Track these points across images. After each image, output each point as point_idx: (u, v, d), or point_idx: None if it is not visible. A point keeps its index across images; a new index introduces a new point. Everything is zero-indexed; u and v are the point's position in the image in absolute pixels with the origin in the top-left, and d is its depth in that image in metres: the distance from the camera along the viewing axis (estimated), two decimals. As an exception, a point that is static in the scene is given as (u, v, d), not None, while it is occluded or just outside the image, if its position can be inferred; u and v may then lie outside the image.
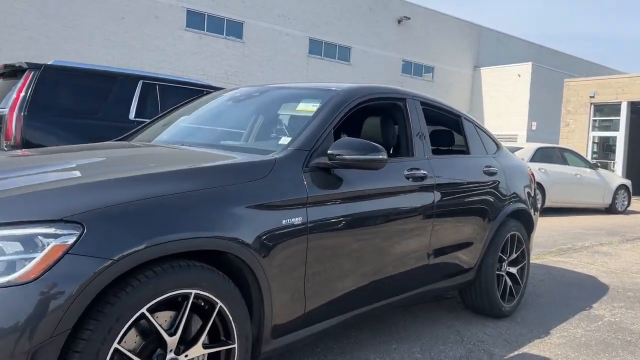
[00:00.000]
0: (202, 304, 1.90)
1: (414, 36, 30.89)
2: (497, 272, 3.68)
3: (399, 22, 30.14)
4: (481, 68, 33.72)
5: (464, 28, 33.41)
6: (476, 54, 34.06)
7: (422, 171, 3.00)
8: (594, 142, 19.17)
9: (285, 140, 2.52)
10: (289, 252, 2.17)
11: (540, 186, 10.55)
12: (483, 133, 3.94)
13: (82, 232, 1.58)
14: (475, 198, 3.46)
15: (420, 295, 3.12)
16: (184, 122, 3.22)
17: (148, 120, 3.81)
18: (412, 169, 2.95)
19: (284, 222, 2.15)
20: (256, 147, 2.54)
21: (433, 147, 3.66)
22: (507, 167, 3.94)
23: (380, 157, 2.42)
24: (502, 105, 32.29)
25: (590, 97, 18.55)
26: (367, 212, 2.58)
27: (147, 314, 1.71)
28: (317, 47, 27.24)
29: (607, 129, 19.06)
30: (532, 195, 4.25)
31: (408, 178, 2.89)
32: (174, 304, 1.83)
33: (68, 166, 2.12)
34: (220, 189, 1.98)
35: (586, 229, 9.18)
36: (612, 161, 18.67)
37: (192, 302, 1.84)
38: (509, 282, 3.83)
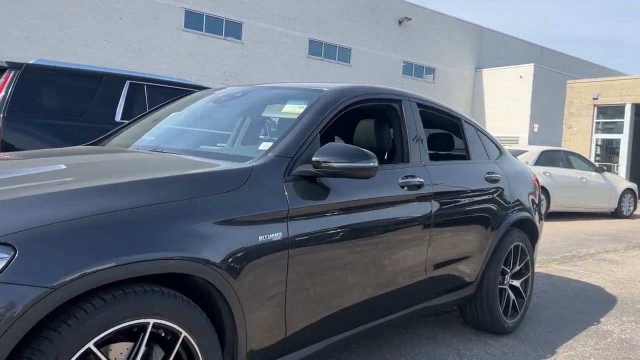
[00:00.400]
0: (164, 334, 1.66)
1: (415, 37, 30.65)
2: (499, 286, 3.44)
3: (400, 22, 29.92)
4: (482, 69, 33.48)
5: (465, 29, 33.17)
6: (477, 55, 33.81)
7: (418, 179, 2.76)
8: (597, 145, 18.91)
9: (265, 145, 2.29)
10: (266, 272, 1.93)
11: (544, 190, 10.36)
12: (485, 137, 3.70)
13: (13, 255, 1.35)
14: (476, 207, 3.22)
15: (417, 313, 2.88)
16: (161, 124, 2.98)
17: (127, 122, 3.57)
18: (407, 177, 2.71)
19: (260, 238, 1.91)
20: (234, 154, 2.31)
21: (431, 152, 3.43)
22: (511, 173, 3.69)
23: (371, 164, 2.18)
24: (503, 107, 32.03)
25: (594, 98, 18.30)
26: (357, 225, 2.34)
27: (95, 350, 1.47)
28: (316, 48, 27.01)
29: (610, 131, 18.81)
30: (537, 202, 4.01)
31: (403, 187, 2.65)
32: (133, 333, 1.60)
33: (11, 176, 1.88)
34: (184, 203, 1.74)
35: (590, 235, 8.93)
36: (616, 164, 18.41)
37: (152, 332, 1.61)
38: (512, 296, 3.59)
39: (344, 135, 4.18)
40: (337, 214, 2.25)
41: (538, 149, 11.27)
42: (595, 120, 18.55)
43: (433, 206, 2.84)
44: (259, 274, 1.90)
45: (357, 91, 2.65)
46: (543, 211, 10.77)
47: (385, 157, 3.17)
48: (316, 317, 2.20)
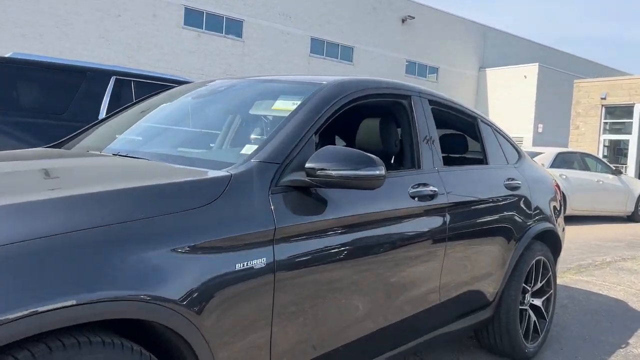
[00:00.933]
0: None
1: (418, 36, 30.24)
2: (519, 307, 3.04)
3: (403, 21, 29.51)
4: (486, 69, 33.06)
5: (469, 28, 32.75)
6: (481, 55, 33.39)
7: (431, 187, 2.37)
8: (604, 146, 18.47)
9: (248, 149, 1.90)
10: (245, 309, 1.54)
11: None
12: (502, 138, 3.31)
13: None
14: (496, 219, 2.83)
15: (428, 343, 2.49)
16: (137, 123, 2.59)
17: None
18: (418, 185, 2.32)
19: (238, 266, 1.52)
20: (211, 159, 1.92)
21: (443, 155, 3.04)
22: (532, 179, 3.30)
23: (377, 173, 1.79)
24: (507, 107, 31.61)
25: (602, 98, 17.86)
26: (360, 246, 1.95)
27: None
28: (319, 47, 26.62)
29: (618, 131, 18.36)
30: (559, 210, 3.62)
31: (414, 197, 2.26)
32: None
33: None
34: (136, 225, 1.35)
35: (604, 241, 8.52)
36: (624, 165, 17.97)
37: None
38: (533, 317, 3.19)
39: (345, 137, 3.79)
40: (336, 233, 1.86)
41: (554, 151, 10.93)
42: (603, 121, 18.11)
43: (448, 219, 2.45)
44: (237, 312, 1.51)
45: (360, 85, 2.26)
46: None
47: (392, 162, 2.78)
48: (309, 357, 1.81)
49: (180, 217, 1.43)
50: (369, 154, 1.81)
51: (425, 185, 2.35)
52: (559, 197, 3.70)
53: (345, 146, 3.85)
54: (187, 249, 1.40)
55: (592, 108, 18.10)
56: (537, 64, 31.25)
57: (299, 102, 2.08)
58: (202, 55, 22.90)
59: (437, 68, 31.53)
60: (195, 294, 1.39)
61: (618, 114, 18.15)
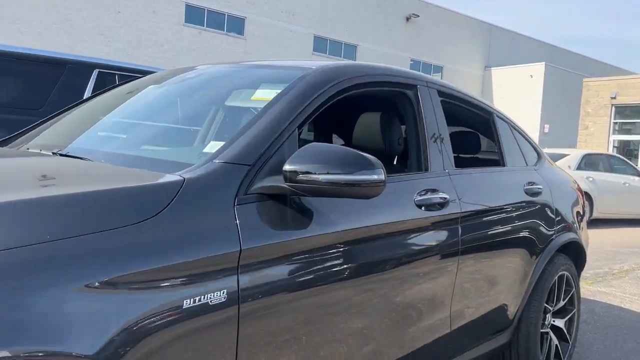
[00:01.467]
0: None
1: (423, 34, 29.82)
2: (540, 330, 2.65)
3: (408, 19, 29.09)
4: (492, 68, 32.60)
5: (475, 26, 32.30)
6: (487, 54, 32.94)
7: (440, 194, 1.99)
8: (614, 147, 18.00)
9: (213, 146, 1.52)
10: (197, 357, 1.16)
11: (587, 196, 9.82)
12: (521, 136, 2.92)
13: None
14: (515, 230, 2.44)
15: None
16: (94, 115, 2.21)
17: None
18: (426, 192, 1.93)
19: (187, 303, 1.14)
20: (167, 159, 1.54)
21: (454, 156, 2.65)
22: (553, 183, 2.91)
23: (375, 177, 1.41)
24: (513, 107, 31.12)
25: (612, 98, 17.39)
26: (352, 270, 1.57)
27: None
28: (322, 45, 26.22)
29: (628, 132, 17.88)
30: (582, 216, 3.23)
31: (420, 206, 1.87)
32: None
33: None
34: (34, 251, 0.97)
35: (618, 247, 8.10)
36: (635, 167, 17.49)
37: None
38: (555, 341, 2.80)
39: (344, 135, 3.41)
40: (323, 253, 1.48)
41: (579, 153, 10.70)
42: (612, 121, 17.63)
43: (461, 232, 2.06)
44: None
45: (355, 71, 1.87)
46: (586, 219, 10.18)
47: (395, 164, 2.40)
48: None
49: (101, 238, 1.05)
50: (364, 154, 1.43)
51: (434, 191, 1.97)
52: (581, 201, 3.30)
53: (344, 145, 3.48)
54: (108, 283, 1.02)
55: (602, 108, 17.63)
56: (544, 63, 30.77)
57: (280, 91, 1.70)
58: (203, 53, 22.54)
59: (442, 67, 31.09)
60: (121, 347, 1.01)
61: (628, 114, 17.67)
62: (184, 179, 1.28)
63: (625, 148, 18.26)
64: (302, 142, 3.56)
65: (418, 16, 29.15)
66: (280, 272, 1.35)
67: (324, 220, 1.50)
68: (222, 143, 1.47)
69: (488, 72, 32.80)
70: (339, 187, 1.38)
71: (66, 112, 2.35)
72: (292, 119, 1.55)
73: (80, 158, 1.58)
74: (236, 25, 23.45)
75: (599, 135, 17.61)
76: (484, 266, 2.22)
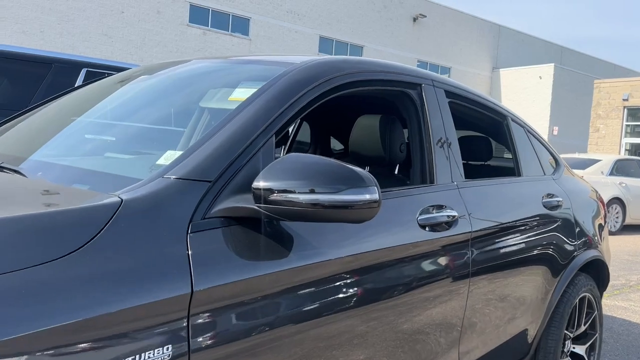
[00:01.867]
0: None
1: (430, 35, 29.49)
2: (559, 359, 2.37)
3: (415, 20, 28.77)
4: (500, 69, 32.20)
5: (483, 27, 31.93)
6: (495, 55, 32.55)
7: (448, 211, 1.70)
8: (626, 150, 17.58)
9: (169, 156, 1.24)
10: None
11: (620, 202, 9.72)
12: (538, 142, 2.63)
13: None
14: (533, 249, 2.15)
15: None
16: (53, 119, 1.95)
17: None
18: (431, 209, 1.65)
19: (113, 370, 0.86)
20: (113, 172, 1.26)
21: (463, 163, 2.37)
22: (573, 194, 2.62)
23: (367, 197, 1.13)
24: (522, 109, 30.71)
25: (624, 99, 16.99)
26: (340, 309, 1.29)
27: None
28: (327, 46, 25.95)
29: (640, 135, 17.47)
30: (603, 227, 2.93)
31: (424, 226, 1.59)
32: None
33: None
34: None
35: (634, 255, 7.77)
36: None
37: None
38: (576, 371, 2.51)
39: (341, 139, 3.14)
40: (305, 292, 1.20)
41: (611, 158, 10.47)
42: (625, 123, 17.23)
43: (472, 254, 1.78)
44: None
45: (349, 67, 1.60)
46: (618, 225, 10.04)
47: (396, 172, 2.12)
48: None
49: (11, 280, 0.78)
50: (355, 168, 1.15)
51: (440, 208, 1.68)
52: (603, 211, 3.01)
53: (341, 152, 3.20)
54: (15, 345, 0.75)
55: (614, 110, 17.23)
56: (553, 64, 30.34)
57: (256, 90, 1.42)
58: (207, 53, 22.32)
59: (449, 68, 30.74)
60: None
61: (640, 116, 17.27)
62: (121, 200, 1.01)
63: (637, 151, 17.83)
64: (300, 146, 3.32)
65: (425, 17, 28.83)
66: (247, 319, 1.08)
67: (306, 249, 1.22)
68: (180, 153, 1.20)
69: (496, 74, 32.40)
70: (323, 210, 1.10)
71: (23, 117, 2.08)
72: (268, 124, 1.27)
73: (16, 171, 1.31)
74: (241, 25, 23.22)
75: (611, 137, 17.21)
76: (497, 291, 1.93)
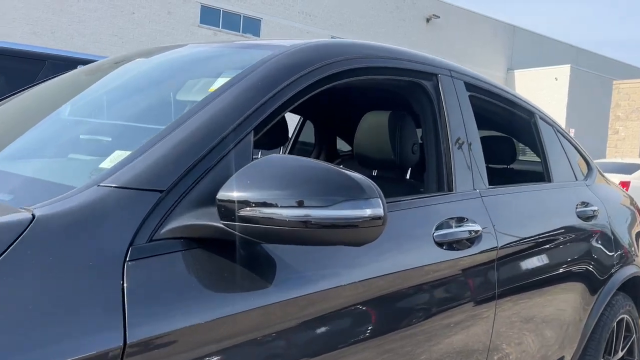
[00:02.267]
0: None
1: (443, 36, 29.10)
2: (595, 391, 2.07)
3: (428, 20, 28.42)
4: (515, 70, 31.70)
5: (497, 28, 31.48)
6: (510, 56, 32.07)
7: (470, 225, 1.42)
8: (646, 152, 17.06)
9: (116, 157, 0.98)
10: None
11: None
12: (568, 143, 2.33)
13: None
14: (566, 266, 1.86)
15: None
16: (17, 115, 1.70)
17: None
18: (450, 222, 1.37)
19: None
20: (48, 179, 1.00)
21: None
22: (609, 202, 2.32)
23: (369, 212, 0.86)
24: (537, 111, 30.22)
25: (644, 101, 16.49)
26: (338, 352, 1.01)
27: None
28: (339, 47, 25.69)
29: (661, 137, 16.94)
30: None
31: (441, 244, 1.31)
32: None
33: None
34: None
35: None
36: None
37: None
38: (612, 403, 2.21)
39: (348, 138, 2.87)
40: (289, 335, 0.93)
41: None
42: (645, 125, 16.72)
43: (498, 273, 1.49)
44: None
45: (349, 51, 1.32)
46: None
47: (408, 178, 1.84)
48: None
49: None
50: (352, 174, 0.88)
51: (461, 221, 1.40)
52: (638, 221, 2.70)
53: (348, 154, 2.91)
54: None
55: (634, 111, 16.73)
56: (569, 65, 29.79)
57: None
58: (218, 55, 22.20)
59: (463, 69, 30.33)
60: None
61: (661, 118, 16.74)
62: (32, 217, 0.74)
63: (657, 154, 17.29)
64: (303, 147, 3.06)
65: (438, 17, 28.47)
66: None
67: (291, 278, 0.95)
68: (127, 153, 0.93)
69: (511, 75, 31.91)
70: (312, 231, 0.83)
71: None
72: (244, 119, 1.01)
73: None
74: (252, 26, 23.04)
75: (631, 140, 16.71)
76: (527, 314, 1.65)
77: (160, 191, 0.85)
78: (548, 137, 2.14)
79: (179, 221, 0.85)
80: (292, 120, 3.04)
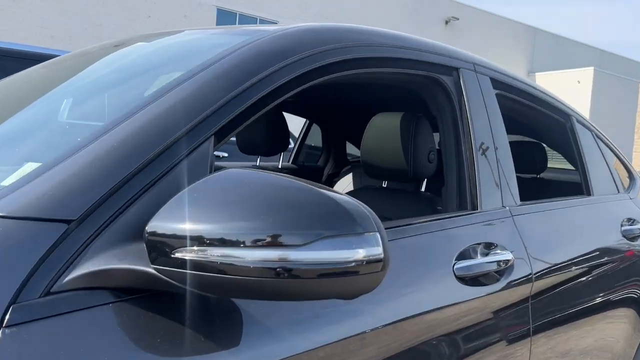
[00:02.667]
0: None
1: (463, 38, 28.66)
2: None
3: (447, 22, 28.03)
4: (536, 73, 31.11)
5: (518, 30, 30.94)
6: (531, 58, 31.49)
7: (499, 253, 1.15)
8: (673, 157, 16.47)
9: (22, 173, 0.73)
10: None
11: None
12: (608, 150, 2.04)
13: None
14: (610, 293, 1.58)
15: None
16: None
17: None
18: (475, 250, 1.10)
19: None
20: None
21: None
22: (656, 216, 2.02)
23: (361, 255, 0.59)
24: (558, 114, 29.66)
25: (672, 104, 15.93)
26: None
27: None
28: (356, 49, 25.50)
29: (690, 141, 16.35)
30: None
31: (463, 278, 1.04)
32: None
33: None
34: None
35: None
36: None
37: None
38: None
39: (357, 142, 2.60)
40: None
41: None
42: (672, 129, 16.15)
43: (534, 307, 1.22)
44: None
45: (350, 38, 1.07)
46: None
47: (422, 190, 1.58)
48: None
49: None
50: (337, 197, 0.62)
51: (488, 247, 1.13)
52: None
53: (358, 160, 2.65)
54: None
55: (660, 115, 16.19)
56: (593, 68, 29.14)
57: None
58: (234, 58, 22.15)
59: (483, 72, 29.90)
60: None
61: (690, 122, 16.15)
62: None
63: (686, 159, 16.67)
64: (311, 151, 2.81)
65: (457, 19, 28.07)
66: None
67: (262, 338, 0.69)
68: (37, 165, 0.69)
69: (532, 78, 31.33)
70: (284, 283, 0.58)
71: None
72: (199, 120, 0.76)
73: None
74: (268, 29, 22.96)
75: (658, 144, 16.15)
76: (566, 350, 1.37)
77: (68, 221, 0.60)
78: (586, 143, 1.85)
79: (93, 263, 0.60)
80: (297, 123, 2.79)
